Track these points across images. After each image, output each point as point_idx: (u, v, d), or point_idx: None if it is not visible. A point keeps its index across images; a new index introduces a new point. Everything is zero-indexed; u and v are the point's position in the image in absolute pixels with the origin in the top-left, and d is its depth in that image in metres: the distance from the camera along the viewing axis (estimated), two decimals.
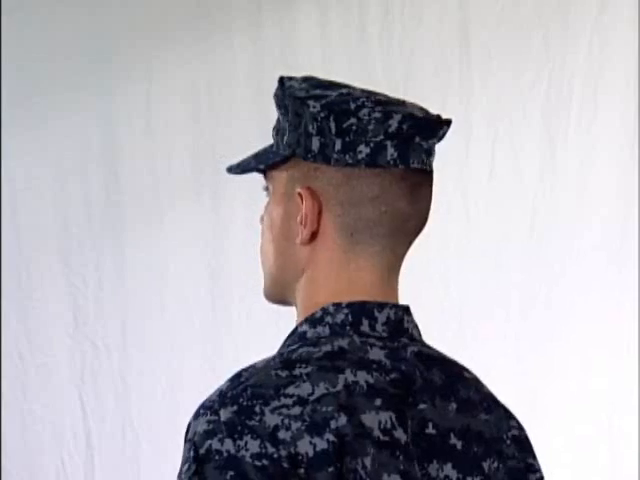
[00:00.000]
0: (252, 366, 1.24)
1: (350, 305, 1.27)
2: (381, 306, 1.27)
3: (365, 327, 1.26)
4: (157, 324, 3.15)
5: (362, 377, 1.22)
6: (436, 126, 1.28)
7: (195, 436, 1.18)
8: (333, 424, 1.18)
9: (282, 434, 1.16)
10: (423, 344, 1.30)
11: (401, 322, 1.28)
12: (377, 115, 1.26)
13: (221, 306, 3.12)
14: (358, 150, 1.26)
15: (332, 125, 1.27)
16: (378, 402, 1.21)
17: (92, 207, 3.17)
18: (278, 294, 1.34)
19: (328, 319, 1.27)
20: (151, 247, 3.15)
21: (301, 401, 1.19)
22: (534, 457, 1.30)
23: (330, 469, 1.16)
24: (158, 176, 3.14)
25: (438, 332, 2.84)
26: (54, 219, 3.18)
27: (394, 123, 1.25)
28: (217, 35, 3.08)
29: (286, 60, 3.04)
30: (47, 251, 3.18)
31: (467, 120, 2.89)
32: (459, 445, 1.23)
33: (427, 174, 1.29)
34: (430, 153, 1.28)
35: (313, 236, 1.29)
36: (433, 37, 2.94)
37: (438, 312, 2.89)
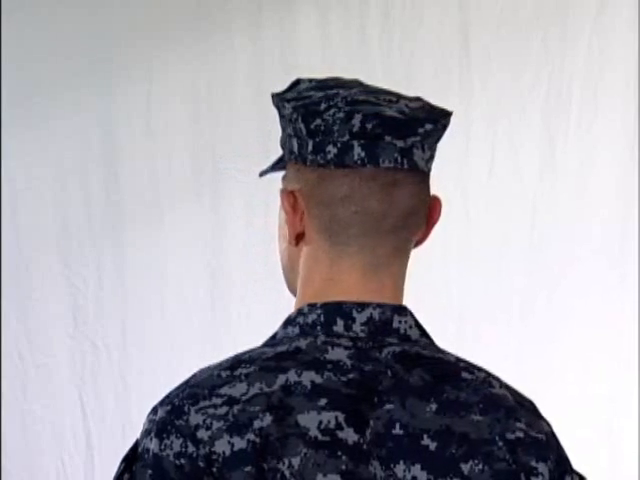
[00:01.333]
0: (208, 365, 1.28)
1: (325, 305, 1.27)
2: (361, 306, 1.27)
3: (339, 327, 1.26)
4: (157, 324, 3.15)
5: (307, 377, 1.23)
6: (413, 124, 1.27)
7: (140, 434, 1.25)
8: (257, 424, 1.20)
9: (201, 433, 1.20)
10: (417, 344, 1.28)
11: (388, 322, 1.27)
12: (341, 115, 1.26)
13: (221, 306, 3.12)
14: (327, 150, 1.27)
15: (302, 126, 1.28)
16: (322, 402, 1.21)
17: (92, 207, 3.17)
18: (292, 292, 1.36)
19: (300, 319, 1.28)
20: (151, 247, 3.15)
21: (231, 401, 1.21)
22: (543, 460, 1.25)
23: (247, 468, 1.18)
24: (158, 176, 3.14)
25: (438, 332, 2.85)
26: (54, 219, 3.18)
27: (357, 123, 1.26)
28: (217, 35, 3.08)
29: (286, 61, 3.04)
30: (47, 251, 3.18)
31: (467, 121, 2.89)
32: (432, 446, 1.21)
33: (408, 172, 1.27)
34: (408, 151, 1.27)
35: (300, 237, 1.31)
36: (433, 39, 2.94)
37: (438, 312, 2.89)
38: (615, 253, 2.89)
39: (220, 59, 3.09)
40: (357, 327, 1.26)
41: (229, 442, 1.20)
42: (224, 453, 1.19)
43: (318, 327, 1.27)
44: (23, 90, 3.15)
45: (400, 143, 1.26)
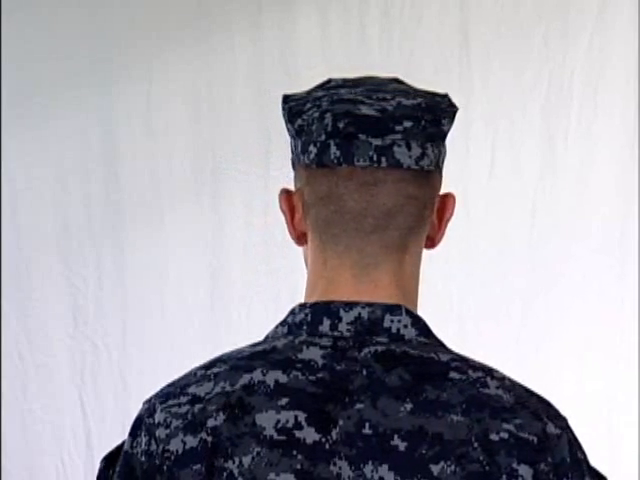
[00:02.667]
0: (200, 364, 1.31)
1: (314, 305, 1.28)
2: (350, 305, 1.26)
3: (324, 327, 1.26)
4: (157, 324, 3.15)
5: (272, 376, 1.23)
6: (390, 122, 1.26)
7: None
8: (211, 423, 1.22)
9: (160, 431, 1.23)
10: (408, 343, 1.26)
11: (378, 321, 1.26)
12: (316, 115, 1.27)
13: (221, 306, 3.12)
14: (309, 150, 1.28)
15: (290, 126, 1.30)
16: (283, 401, 1.22)
17: (92, 207, 3.17)
18: None
19: (289, 319, 1.29)
20: (151, 247, 3.15)
21: (194, 400, 1.24)
22: (529, 462, 1.21)
23: (195, 467, 1.21)
24: (158, 176, 3.14)
25: (438, 332, 2.86)
26: (54, 219, 3.18)
27: (329, 122, 1.26)
28: (217, 35, 3.08)
29: (286, 61, 3.04)
30: (47, 251, 3.18)
31: (467, 120, 2.89)
32: (402, 447, 1.20)
33: (389, 170, 1.26)
34: (387, 149, 1.26)
35: (303, 237, 1.32)
36: (433, 37, 2.94)
37: (438, 312, 2.88)
38: (615, 252, 2.88)
39: (220, 59, 3.09)
40: (343, 326, 1.26)
41: (182, 441, 1.22)
42: (177, 452, 1.22)
43: (304, 326, 1.27)
44: (23, 90, 3.14)
45: (377, 141, 1.25)
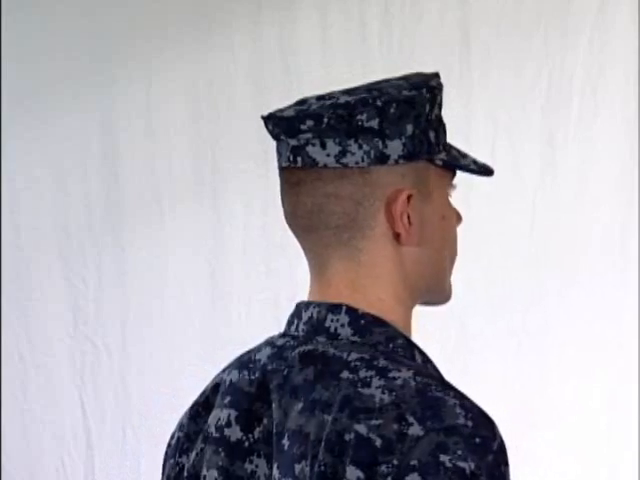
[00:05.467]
0: None
1: (297, 305, 1.31)
2: (307, 305, 1.28)
3: (293, 327, 1.29)
4: (157, 324, 3.15)
5: (231, 376, 1.30)
6: (296, 121, 1.26)
7: None
8: (184, 421, 1.35)
9: (173, 429, 1.36)
10: (333, 343, 1.24)
11: (322, 321, 1.26)
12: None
13: (221, 306, 3.12)
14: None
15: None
16: (227, 400, 1.29)
17: (92, 207, 3.17)
18: None
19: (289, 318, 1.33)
20: (151, 247, 3.15)
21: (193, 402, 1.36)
22: (363, 463, 1.15)
23: (171, 461, 1.34)
24: (158, 176, 3.14)
25: (438, 332, 2.85)
26: (54, 219, 3.18)
27: (268, 126, 1.29)
28: (217, 35, 3.08)
29: (286, 60, 3.04)
30: (47, 251, 3.18)
31: (467, 119, 2.89)
32: (286, 446, 1.21)
33: (310, 169, 1.26)
34: (300, 148, 1.26)
35: None
36: (433, 36, 2.93)
37: (438, 312, 2.88)
38: (615, 251, 2.88)
39: (220, 58, 3.09)
40: (301, 326, 1.28)
41: (172, 436, 1.36)
42: (169, 445, 1.36)
43: (285, 327, 1.31)
44: (23, 90, 3.15)
45: (293, 141, 1.26)
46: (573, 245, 2.90)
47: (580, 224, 2.90)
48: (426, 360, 1.28)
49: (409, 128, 1.25)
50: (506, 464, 1.19)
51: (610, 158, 2.87)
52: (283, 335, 1.29)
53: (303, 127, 1.25)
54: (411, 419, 1.16)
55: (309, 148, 1.26)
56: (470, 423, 1.16)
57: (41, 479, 3.22)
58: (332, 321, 1.26)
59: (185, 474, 1.31)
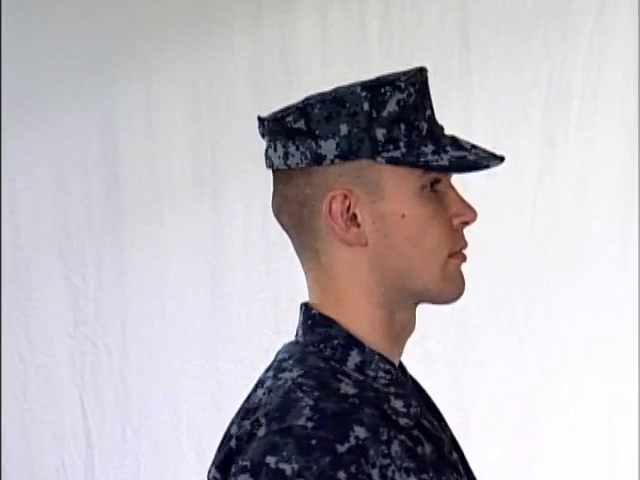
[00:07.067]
0: None
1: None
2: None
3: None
4: (157, 324, 3.15)
5: None
6: (260, 124, 1.29)
7: None
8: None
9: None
10: (290, 342, 1.30)
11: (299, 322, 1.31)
12: None
13: (221, 306, 3.12)
14: None
15: None
16: None
17: (92, 207, 3.17)
18: None
19: None
20: (151, 247, 3.15)
21: None
22: (221, 465, 1.23)
23: None
24: (158, 176, 3.14)
25: (438, 332, 2.86)
26: (54, 219, 3.18)
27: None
28: (217, 35, 3.08)
29: (286, 60, 3.04)
30: (47, 251, 3.18)
31: (467, 120, 2.89)
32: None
33: (276, 172, 1.29)
34: (266, 152, 1.29)
35: None
36: (433, 37, 2.93)
37: (437, 312, 2.88)
38: (615, 251, 2.88)
39: (220, 59, 3.09)
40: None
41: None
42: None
43: None
44: (23, 90, 3.15)
45: (265, 144, 1.30)
46: (573, 245, 2.91)
47: (580, 224, 2.90)
48: (366, 361, 1.25)
49: (343, 127, 1.23)
50: (347, 469, 1.13)
51: (610, 159, 2.87)
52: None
53: (263, 130, 1.29)
54: (262, 420, 1.19)
55: (269, 151, 1.29)
56: (311, 424, 1.15)
57: (41, 479, 3.22)
58: (298, 321, 1.30)
59: None
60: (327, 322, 1.27)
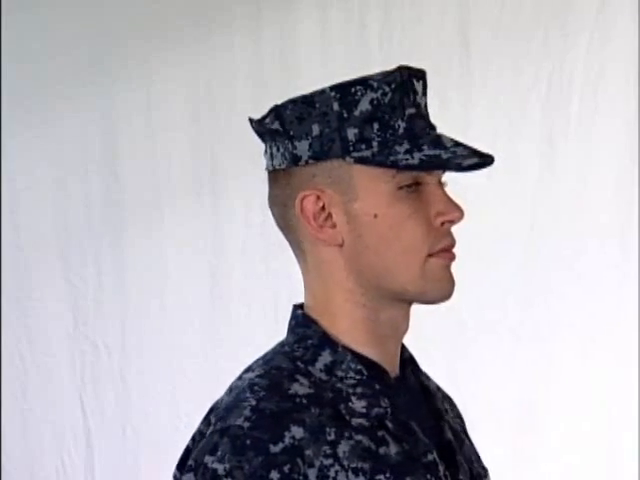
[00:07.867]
0: None
1: None
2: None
3: None
4: (157, 324, 3.15)
5: None
6: (250, 124, 1.32)
7: None
8: None
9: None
10: (278, 342, 1.32)
11: None
12: None
13: (221, 306, 3.12)
14: None
15: None
16: None
17: (92, 207, 3.17)
18: None
19: None
20: (151, 247, 3.15)
21: None
22: (181, 464, 1.28)
23: None
24: (158, 176, 3.14)
25: (438, 332, 2.85)
26: (54, 219, 3.18)
27: None
28: (217, 35, 3.08)
29: (286, 60, 3.04)
30: (47, 251, 3.18)
31: (467, 120, 2.89)
32: None
33: (267, 173, 1.32)
34: (266, 152, 1.31)
35: None
36: (433, 37, 2.94)
37: (438, 312, 2.88)
38: (615, 251, 2.88)
39: (220, 59, 3.09)
40: None
41: None
42: None
43: None
44: (23, 90, 3.15)
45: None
46: (572, 244, 2.91)
47: (579, 223, 2.90)
48: (337, 362, 1.25)
49: (315, 128, 1.24)
50: (280, 468, 1.14)
51: (610, 158, 2.87)
52: None
53: (254, 131, 1.33)
54: (213, 419, 1.22)
55: (264, 153, 1.32)
56: (247, 424, 1.16)
57: (41, 479, 3.22)
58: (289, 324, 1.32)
59: None
60: (307, 322, 1.28)
